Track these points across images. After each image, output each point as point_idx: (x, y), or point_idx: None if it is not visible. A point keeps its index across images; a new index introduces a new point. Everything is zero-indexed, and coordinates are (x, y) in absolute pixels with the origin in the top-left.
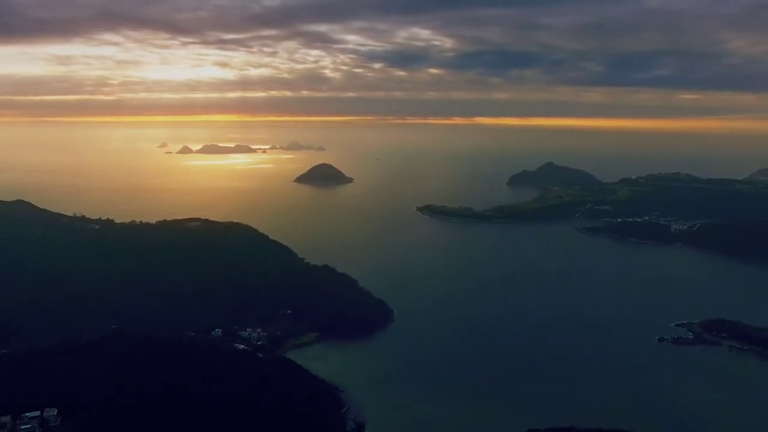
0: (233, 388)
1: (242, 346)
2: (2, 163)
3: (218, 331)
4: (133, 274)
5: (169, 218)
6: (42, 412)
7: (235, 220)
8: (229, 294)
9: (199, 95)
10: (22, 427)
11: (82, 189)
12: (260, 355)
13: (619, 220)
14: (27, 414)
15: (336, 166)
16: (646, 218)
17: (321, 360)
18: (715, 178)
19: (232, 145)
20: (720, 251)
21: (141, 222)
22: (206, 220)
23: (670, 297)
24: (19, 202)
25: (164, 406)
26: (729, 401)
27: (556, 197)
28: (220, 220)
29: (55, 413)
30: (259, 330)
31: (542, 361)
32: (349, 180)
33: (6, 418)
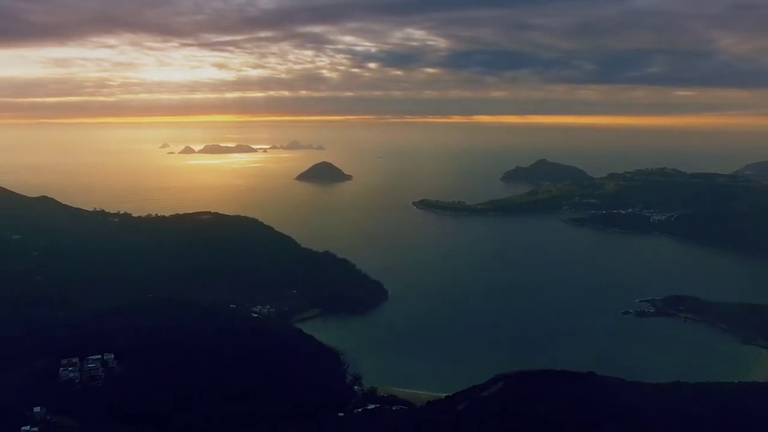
0: (251, 343)
1: (256, 315)
2: (9, 166)
3: (233, 307)
4: (153, 258)
5: (181, 212)
6: (102, 356)
7: (241, 214)
8: (239, 276)
9: (198, 96)
10: (88, 365)
11: (91, 188)
12: (271, 324)
13: (604, 212)
14: (91, 357)
15: (335, 165)
16: (630, 210)
17: (323, 331)
18: (699, 173)
19: (233, 145)
20: (692, 239)
21: (156, 215)
22: (216, 214)
23: (640, 278)
24: (44, 198)
25: (192, 354)
26: (664, 356)
27: (546, 191)
28: (228, 214)
29: (113, 357)
30: (268, 306)
31: (517, 327)
32: (348, 177)
33: (75, 359)
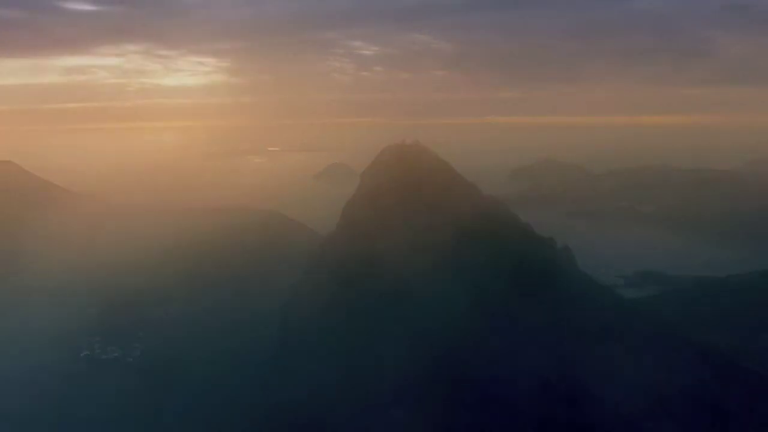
0: None
1: None
2: (42, 169)
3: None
4: (198, 241)
5: (210, 207)
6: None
7: (265, 209)
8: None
9: (212, 101)
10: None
11: (122, 188)
12: None
13: (597, 205)
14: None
15: (348, 165)
16: (623, 203)
17: None
18: (693, 169)
19: (248, 147)
20: (675, 228)
21: (193, 208)
22: (244, 207)
23: (620, 257)
24: (92, 194)
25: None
26: None
27: (548, 188)
28: (254, 208)
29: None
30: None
31: None
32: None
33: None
